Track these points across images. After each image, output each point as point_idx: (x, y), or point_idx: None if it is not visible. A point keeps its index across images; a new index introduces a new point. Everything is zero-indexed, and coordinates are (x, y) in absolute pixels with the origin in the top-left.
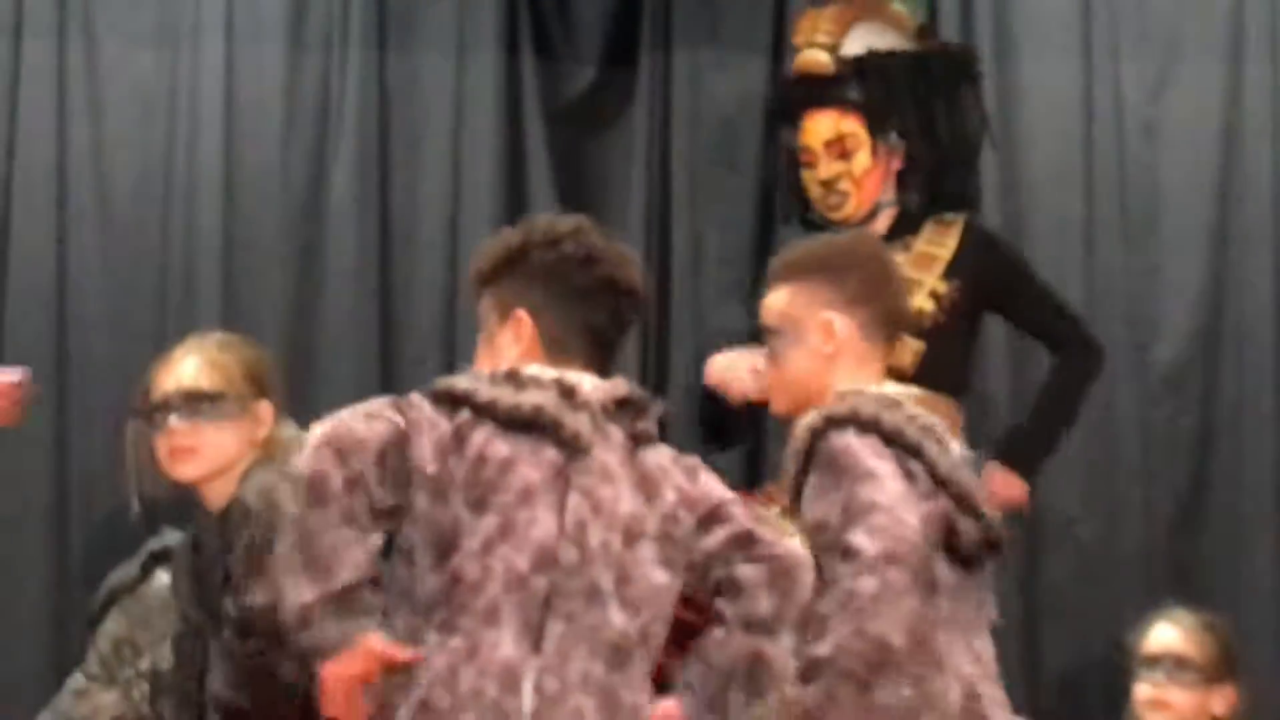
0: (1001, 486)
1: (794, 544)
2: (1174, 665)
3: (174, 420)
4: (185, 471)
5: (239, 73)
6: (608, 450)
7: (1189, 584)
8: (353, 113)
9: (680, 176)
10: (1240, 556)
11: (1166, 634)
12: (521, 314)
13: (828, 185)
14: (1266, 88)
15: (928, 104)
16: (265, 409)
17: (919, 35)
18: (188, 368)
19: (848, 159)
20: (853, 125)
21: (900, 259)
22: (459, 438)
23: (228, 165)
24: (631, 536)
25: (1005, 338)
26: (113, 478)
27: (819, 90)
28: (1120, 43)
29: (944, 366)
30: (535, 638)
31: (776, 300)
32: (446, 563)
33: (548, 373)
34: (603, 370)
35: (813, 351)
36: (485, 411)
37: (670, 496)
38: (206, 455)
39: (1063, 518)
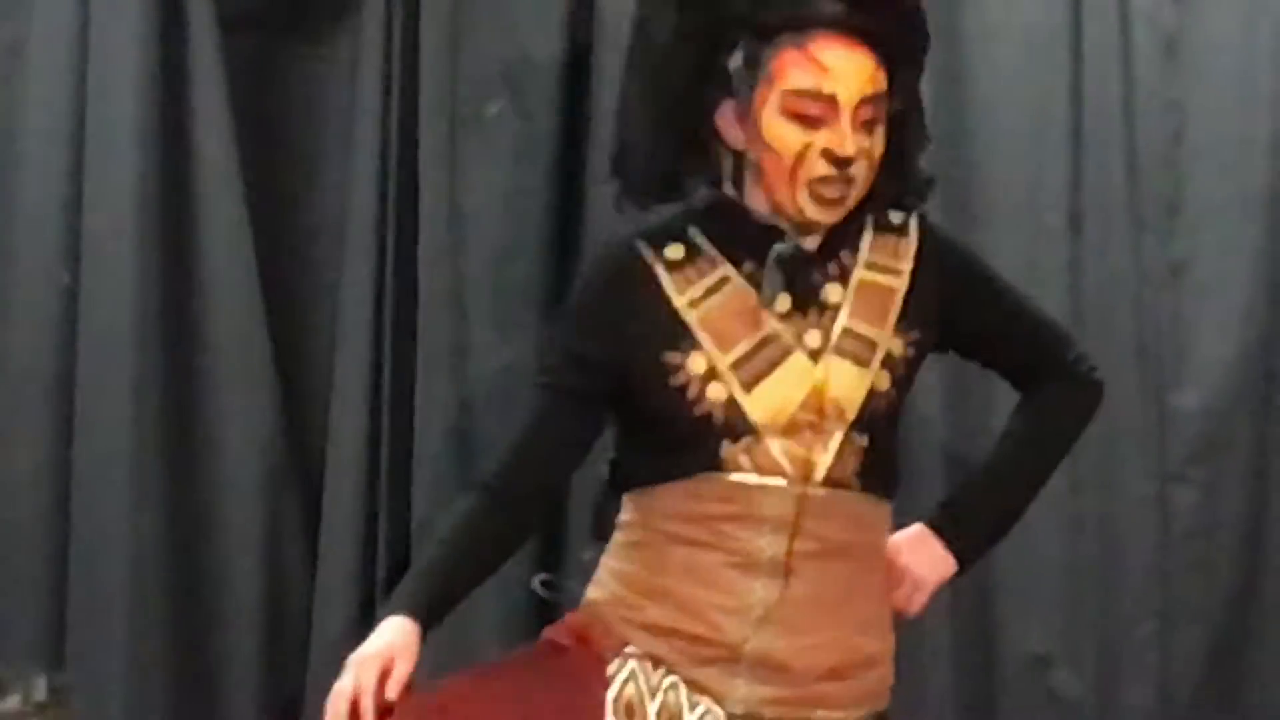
0: (915, 562)
1: None
2: None
3: None
4: None
5: None
6: None
7: None
8: None
9: (432, 120)
10: None
11: None
12: None
13: (841, 165)
14: None
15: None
16: None
17: None
18: None
19: (872, 132)
20: (883, 83)
21: (832, 301)
22: None
23: None
24: None
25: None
26: None
27: (856, 12)
28: None
29: (887, 459)
30: None
31: None
32: None
33: None
34: None
35: None
36: None
37: None
38: None
39: (1028, 659)
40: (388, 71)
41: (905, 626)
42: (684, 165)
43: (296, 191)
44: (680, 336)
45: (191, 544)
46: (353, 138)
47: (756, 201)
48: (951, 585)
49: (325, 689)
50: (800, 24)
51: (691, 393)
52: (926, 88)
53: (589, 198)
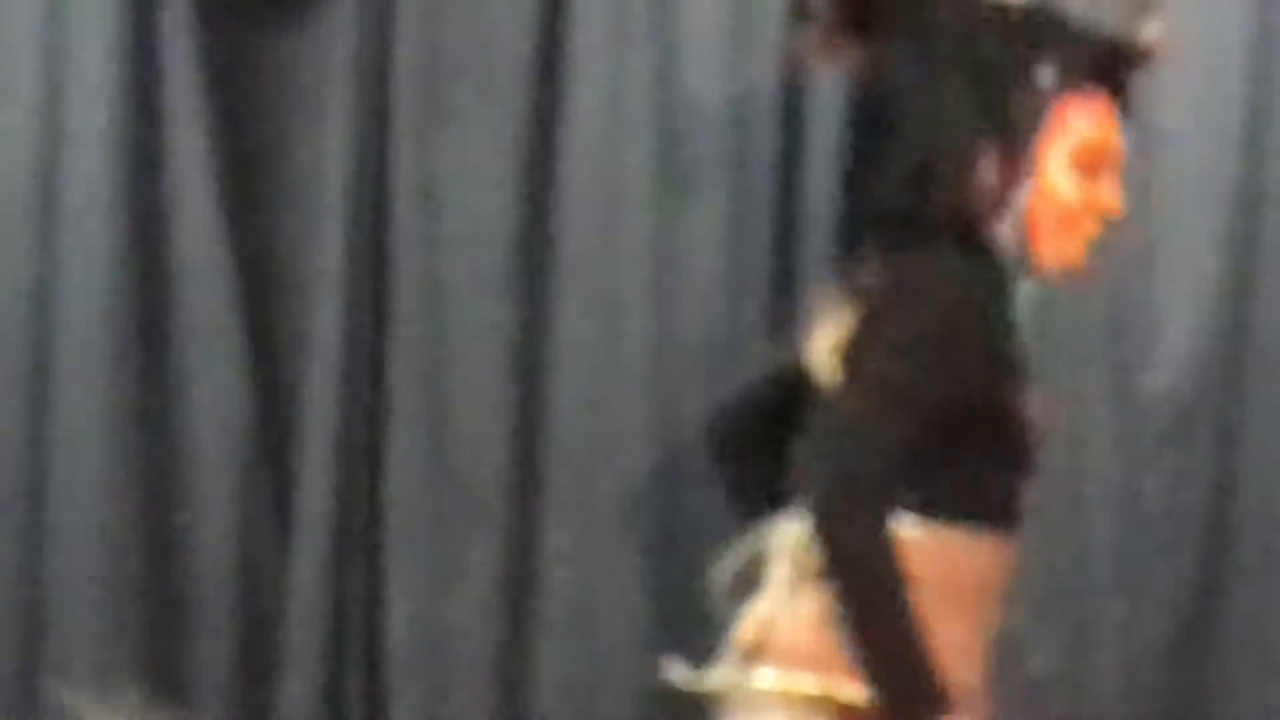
0: None
1: None
2: None
3: None
4: None
5: None
6: None
7: None
8: None
9: (406, 89)
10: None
11: None
12: None
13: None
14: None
15: None
16: None
17: None
18: None
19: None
20: None
21: None
22: None
23: None
24: None
25: None
26: None
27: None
28: None
29: None
30: None
31: None
32: None
33: None
34: None
35: None
36: None
37: None
38: None
39: (997, 639)
40: (360, 54)
41: None
42: None
43: (270, 177)
44: None
45: (165, 533)
46: (324, 122)
47: None
48: None
49: (300, 677)
50: None
51: None
52: None
53: (559, 182)
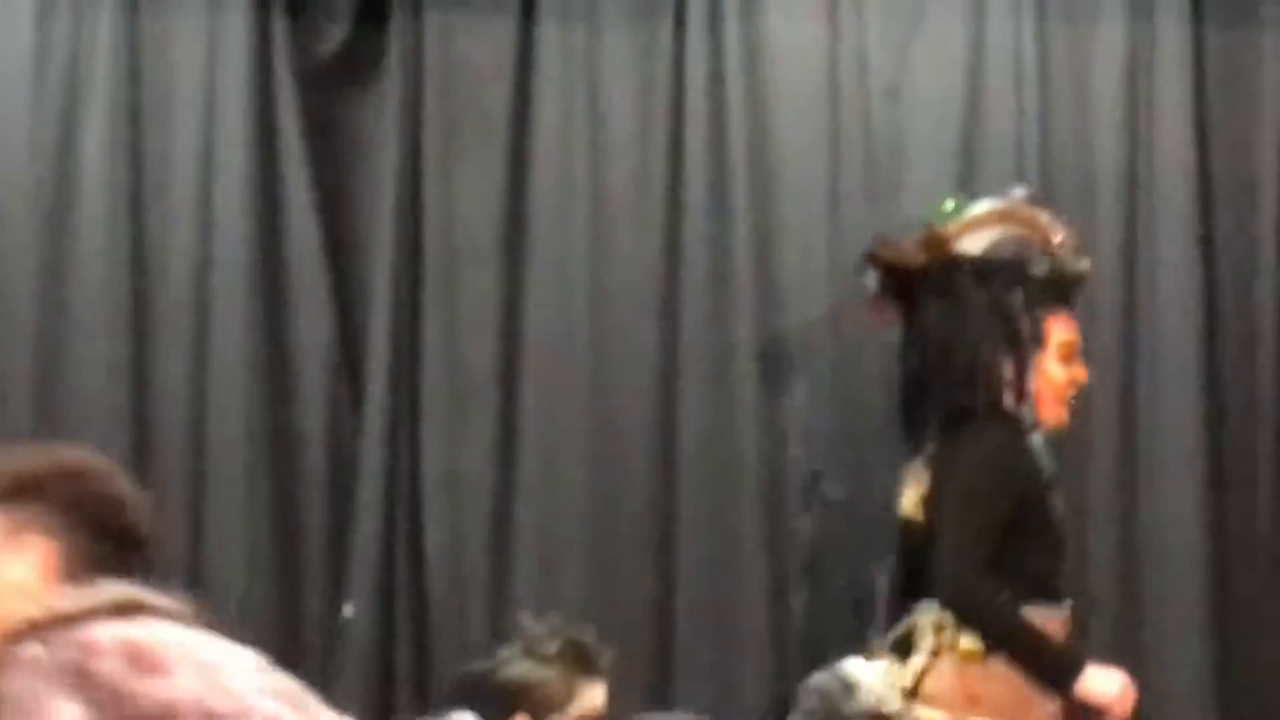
0: None
1: None
2: None
3: None
4: None
5: None
6: None
7: None
8: (103, 74)
9: (432, 139)
10: None
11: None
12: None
13: (1076, 389)
14: (1008, 50)
15: None
16: None
17: None
18: None
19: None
20: None
21: None
22: None
23: None
24: None
25: None
26: None
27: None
28: (865, 3)
29: None
30: None
31: None
32: None
33: None
34: None
35: None
36: None
37: None
38: None
39: (808, 473)
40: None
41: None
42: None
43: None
44: None
45: None
46: (378, 169)
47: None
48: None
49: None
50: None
51: None
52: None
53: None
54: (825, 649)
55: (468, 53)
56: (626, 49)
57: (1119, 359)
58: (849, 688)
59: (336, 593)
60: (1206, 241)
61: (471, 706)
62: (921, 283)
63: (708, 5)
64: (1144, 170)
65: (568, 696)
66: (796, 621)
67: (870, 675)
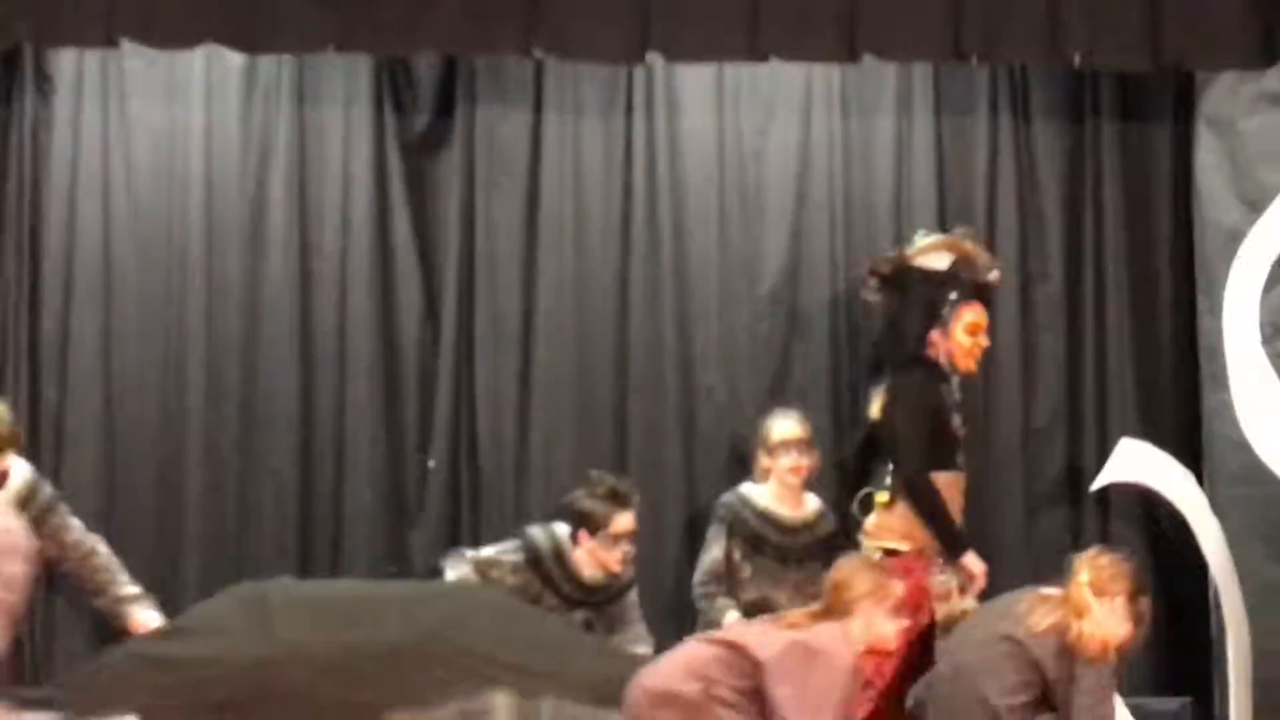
0: None
1: None
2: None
3: None
4: None
5: (216, 119)
6: None
7: None
8: (283, 145)
9: (480, 186)
10: None
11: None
12: None
13: (980, 351)
14: (824, 131)
15: None
16: None
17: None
18: None
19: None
20: None
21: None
22: None
23: (208, 174)
24: None
25: None
26: None
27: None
28: (740, 103)
29: None
30: None
31: None
32: None
33: None
34: None
35: None
36: None
37: None
38: None
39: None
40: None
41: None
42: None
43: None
44: None
45: None
46: (448, 204)
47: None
48: None
49: None
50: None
51: None
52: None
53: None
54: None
55: (501, 132)
56: (597, 128)
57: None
58: (744, 500)
59: (425, 452)
60: None
61: (562, 520)
62: (891, 284)
63: (645, 102)
64: (905, 201)
65: (608, 520)
66: None
67: (754, 492)
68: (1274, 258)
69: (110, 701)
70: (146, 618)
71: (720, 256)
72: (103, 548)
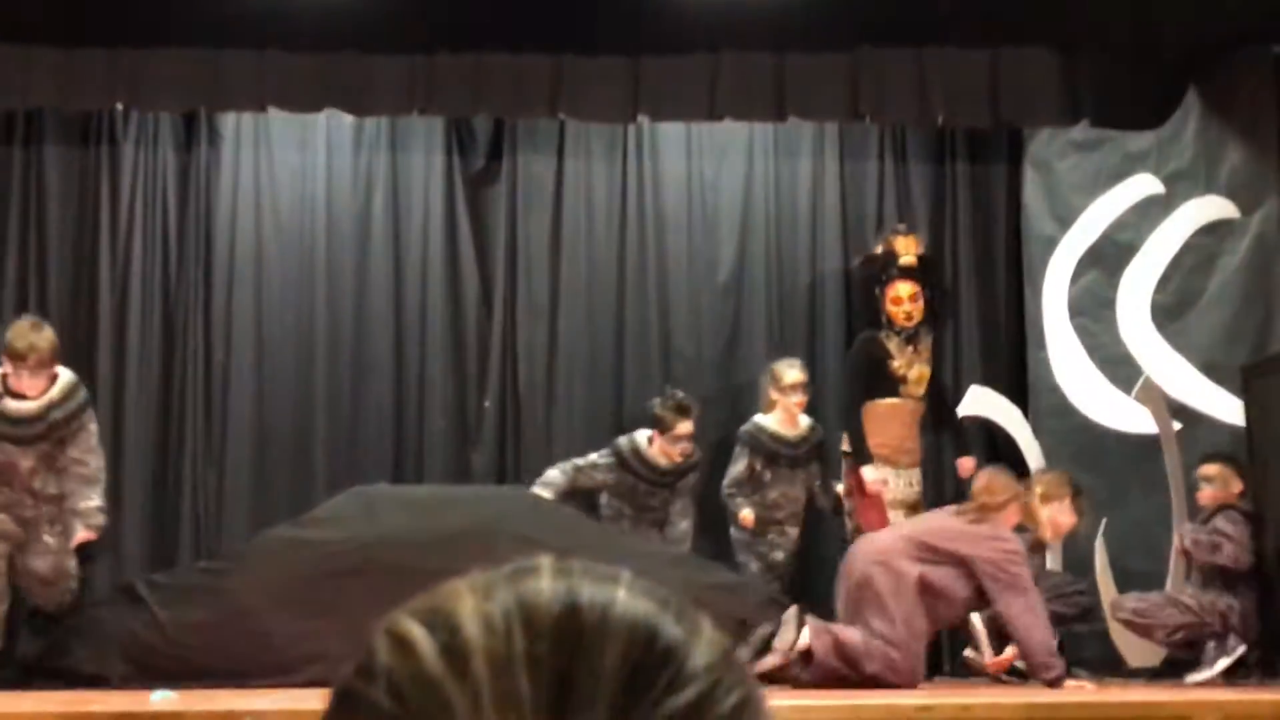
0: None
1: None
2: None
3: None
4: None
5: (334, 162)
6: None
7: None
8: (380, 183)
9: (521, 214)
10: None
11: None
12: None
13: (908, 315)
14: (763, 170)
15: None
16: None
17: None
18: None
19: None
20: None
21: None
22: None
23: (329, 202)
24: None
25: None
26: None
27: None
28: (703, 150)
29: None
30: None
31: None
32: None
33: None
34: None
35: None
36: None
37: None
38: None
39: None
40: (509, 203)
41: None
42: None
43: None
44: None
45: None
46: (499, 228)
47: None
48: None
49: None
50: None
51: None
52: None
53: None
54: None
55: (535, 171)
56: (602, 169)
57: None
58: (759, 427)
59: (481, 395)
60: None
61: (643, 423)
62: (863, 270)
63: (636, 150)
64: (819, 221)
65: (673, 424)
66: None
67: (765, 420)
68: (1078, 258)
69: (258, 570)
70: (83, 535)
71: (689, 259)
72: (94, 460)
